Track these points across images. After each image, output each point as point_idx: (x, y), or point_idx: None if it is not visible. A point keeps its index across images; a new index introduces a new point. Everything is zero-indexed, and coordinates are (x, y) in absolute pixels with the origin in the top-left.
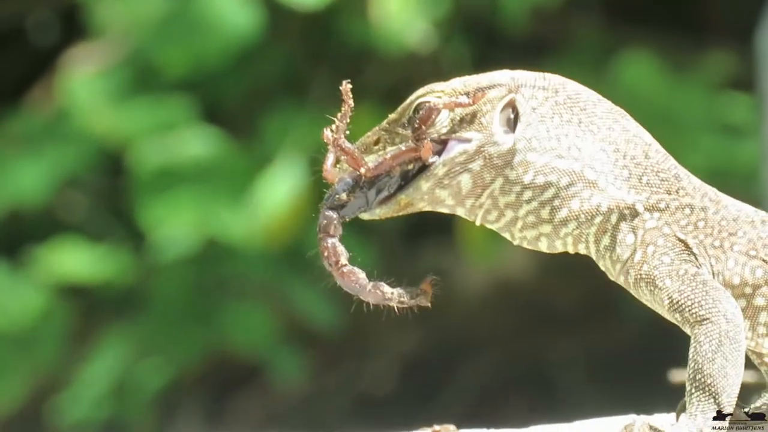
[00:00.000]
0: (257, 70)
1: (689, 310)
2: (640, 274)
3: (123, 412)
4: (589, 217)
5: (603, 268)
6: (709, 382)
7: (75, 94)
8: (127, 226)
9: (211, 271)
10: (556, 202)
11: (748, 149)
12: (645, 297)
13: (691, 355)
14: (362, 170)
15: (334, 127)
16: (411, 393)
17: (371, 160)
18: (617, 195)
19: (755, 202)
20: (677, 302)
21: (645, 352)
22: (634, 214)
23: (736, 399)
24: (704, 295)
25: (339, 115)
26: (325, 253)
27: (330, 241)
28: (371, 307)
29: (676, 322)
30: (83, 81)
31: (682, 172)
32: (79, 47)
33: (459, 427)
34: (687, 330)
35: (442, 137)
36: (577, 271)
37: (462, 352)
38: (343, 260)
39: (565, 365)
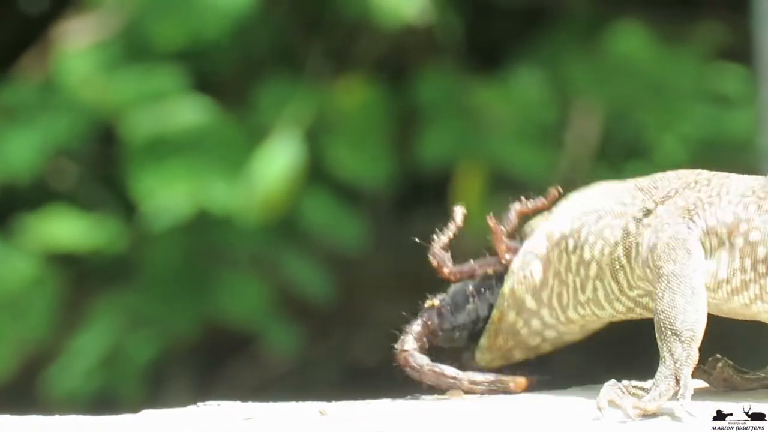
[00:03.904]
0: (251, 41)
1: (657, 265)
2: (651, 257)
3: (114, 383)
4: (613, 243)
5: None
6: (662, 317)
7: (67, 65)
8: (118, 196)
9: (204, 241)
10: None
11: (741, 119)
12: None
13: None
14: (445, 271)
15: (435, 238)
16: None
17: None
18: (629, 212)
19: (749, 170)
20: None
21: (635, 321)
22: (648, 212)
23: (698, 330)
24: (665, 248)
25: (445, 229)
26: (408, 370)
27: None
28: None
29: None
30: (76, 53)
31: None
32: (72, 20)
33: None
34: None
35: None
36: None
37: None
38: (424, 368)
39: None
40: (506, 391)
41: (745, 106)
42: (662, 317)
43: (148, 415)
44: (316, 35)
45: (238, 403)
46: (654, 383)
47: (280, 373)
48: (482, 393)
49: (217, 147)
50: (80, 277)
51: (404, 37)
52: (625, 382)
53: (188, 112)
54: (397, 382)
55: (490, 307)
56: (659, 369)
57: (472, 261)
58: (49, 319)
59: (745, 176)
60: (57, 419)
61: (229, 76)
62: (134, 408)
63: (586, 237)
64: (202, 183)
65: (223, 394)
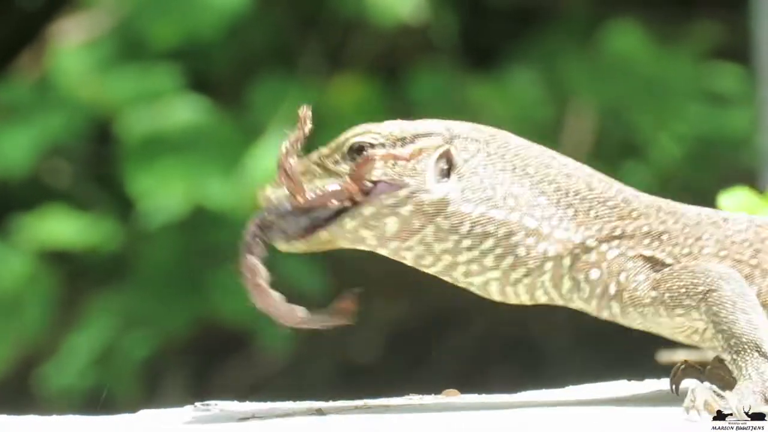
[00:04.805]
0: (246, 40)
1: (688, 295)
2: (625, 302)
3: (108, 380)
4: (539, 264)
5: (577, 309)
6: (744, 340)
7: (63, 63)
8: (114, 194)
9: (199, 239)
10: (499, 251)
11: (737, 118)
12: (636, 321)
13: (714, 329)
14: (299, 198)
15: (284, 148)
16: (396, 361)
17: (310, 191)
18: (563, 237)
19: (746, 168)
20: (673, 298)
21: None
22: (588, 250)
23: None
24: (693, 274)
25: (292, 137)
26: (243, 270)
27: (250, 258)
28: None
29: (680, 322)
30: (71, 52)
31: (630, 193)
32: (68, 18)
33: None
34: (696, 315)
35: (375, 178)
36: None
37: (448, 320)
38: (259, 280)
39: (550, 333)
40: (339, 321)
41: (743, 105)
42: (744, 340)
43: (146, 414)
44: (312, 34)
45: (236, 402)
46: (739, 397)
47: (276, 371)
48: (319, 327)
49: (212, 145)
50: (75, 275)
51: (399, 36)
52: (707, 384)
53: (184, 110)
54: (394, 381)
55: (313, 220)
56: (744, 384)
57: (328, 191)
58: (44, 317)
59: (703, 217)
60: (54, 419)
61: (224, 74)
62: (129, 405)
63: (492, 246)
64: (197, 181)
65: (219, 392)
